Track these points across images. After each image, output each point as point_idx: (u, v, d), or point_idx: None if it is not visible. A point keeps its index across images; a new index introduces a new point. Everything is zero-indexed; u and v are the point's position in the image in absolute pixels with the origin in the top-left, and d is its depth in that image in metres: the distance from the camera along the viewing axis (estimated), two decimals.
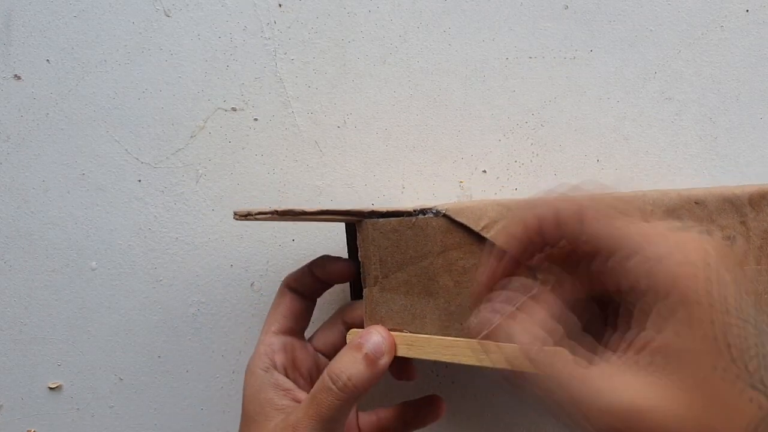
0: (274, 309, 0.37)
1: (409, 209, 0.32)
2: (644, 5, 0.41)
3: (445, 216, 0.31)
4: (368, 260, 0.33)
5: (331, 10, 0.43)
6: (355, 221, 0.33)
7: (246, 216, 0.32)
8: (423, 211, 0.32)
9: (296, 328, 0.37)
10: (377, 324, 0.33)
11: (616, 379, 0.22)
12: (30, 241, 0.44)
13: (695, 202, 0.30)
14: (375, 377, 0.32)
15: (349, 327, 0.36)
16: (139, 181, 0.43)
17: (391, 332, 0.32)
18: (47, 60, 0.44)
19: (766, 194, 0.30)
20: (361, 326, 0.34)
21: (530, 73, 0.42)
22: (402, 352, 0.32)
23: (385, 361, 0.32)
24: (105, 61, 0.43)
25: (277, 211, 0.31)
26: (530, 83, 0.42)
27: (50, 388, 0.44)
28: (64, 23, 0.44)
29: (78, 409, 0.44)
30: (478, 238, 0.31)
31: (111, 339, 0.44)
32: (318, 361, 0.38)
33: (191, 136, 0.43)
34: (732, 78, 0.41)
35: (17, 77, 0.44)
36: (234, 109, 0.43)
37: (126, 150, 0.43)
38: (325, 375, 0.32)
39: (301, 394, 0.35)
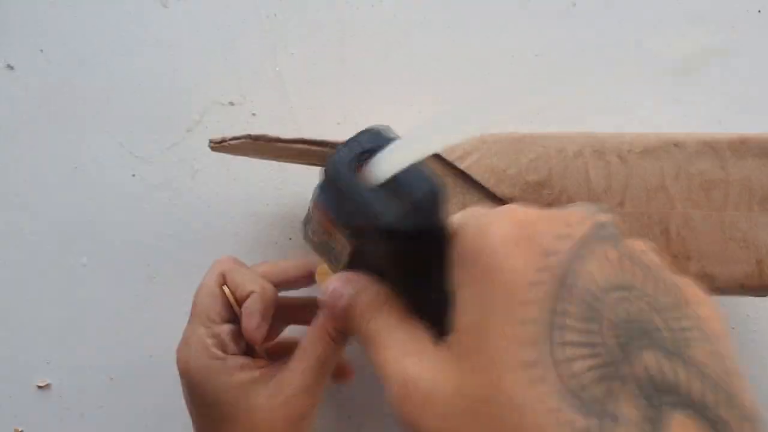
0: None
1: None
2: (653, 4, 0.41)
3: None
4: None
5: (333, 4, 0.42)
6: (330, 153, 0.33)
7: (221, 143, 0.32)
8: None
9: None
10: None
11: (411, 351, 0.21)
12: (20, 236, 0.43)
13: (674, 144, 0.30)
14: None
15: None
16: (133, 175, 0.42)
17: None
18: (41, 50, 0.43)
19: (746, 141, 0.30)
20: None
21: (536, 71, 0.41)
22: None
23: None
24: (100, 52, 0.43)
25: (250, 136, 0.31)
26: (536, 82, 0.41)
27: (39, 387, 0.43)
28: (59, 12, 0.43)
29: (67, 408, 0.43)
30: (452, 169, 0.31)
31: (102, 337, 0.43)
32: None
33: (187, 131, 0.42)
34: (742, 80, 0.40)
35: (10, 67, 0.43)
36: (231, 104, 0.42)
37: (120, 144, 0.42)
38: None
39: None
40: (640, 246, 0.19)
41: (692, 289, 0.19)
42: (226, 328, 0.33)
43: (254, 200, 0.42)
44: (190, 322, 0.34)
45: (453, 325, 0.19)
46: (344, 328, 0.25)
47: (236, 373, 0.32)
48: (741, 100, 0.40)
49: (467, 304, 0.19)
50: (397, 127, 0.41)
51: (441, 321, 0.20)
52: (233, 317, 0.34)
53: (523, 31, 0.41)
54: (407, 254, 0.21)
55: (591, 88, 0.42)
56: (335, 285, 0.24)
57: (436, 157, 0.31)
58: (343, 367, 0.38)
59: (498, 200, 0.30)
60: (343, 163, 0.21)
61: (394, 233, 0.20)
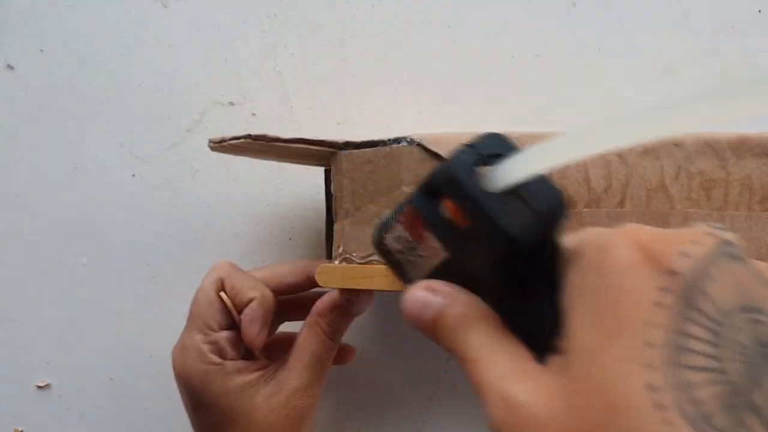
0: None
1: (383, 139, 0.31)
2: (654, 4, 0.40)
3: (419, 145, 0.31)
4: (341, 193, 0.32)
5: (333, 4, 0.42)
6: (329, 153, 0.33)
7: (221, 143, 0.32)
8: (397, 140, 0.31)
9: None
10: (345, 255, 0.32)
11: (516, 371, 0.19)
12: (20, 236, 0.43)
13: (674, 144, 0.30)
14: None
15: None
16: (133, 175, 0.42)
17: (361, 265, 0.32)
18: (41, 50, 0.43)
19: (746, 140, 0.30)
20: None
21: (536, 71, 0.41)
22: (364, 284, 0.31)
23: None
24: (100, 52, 0.42)
25: (250, 135, 0.31)
26: (536, 81, 0.41)
27: (38, 387, 0.43)
28: (59, 12, 0.43)
29: (67, 408, 0.43)
30: None
31: (102, 337, 0.43)
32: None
33: (187, 131, 0.42)
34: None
35: (10, 67, 0.43)
36: (231, 104, 0.42)
37: (120, 144, 0.42)
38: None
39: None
40: (765, 266, 0.18)
41: None
42: (224, 335, 0.33)
43: (254, 200, 0.42)
44: (187, 327, 0.34)
45: (564, 346, 0.19)
46: (431, 338, 0.23)
47: (234, 377, 0.32)
48: None
49: (583, 325, 0.18)
50: (396, 127, 0.41)
51: (540, 341, 0.19)
52: (231, 323, 0.34)
53: (523, 31, 0.41)
54: (514, 266, 0.20)
55: (591, 85, 0.42)
56: (420, 294, 0.22)
57: (436, 156, 0.31)
58: (344, 348, 0.38)
59: None
60: (463, 166, 0.20)
61: (509, 243, 0.19)
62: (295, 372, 0.32)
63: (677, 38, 0.40)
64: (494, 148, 0.20)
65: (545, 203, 0.20)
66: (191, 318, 0.34)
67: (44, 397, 0.43)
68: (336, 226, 0.33)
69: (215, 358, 0.33)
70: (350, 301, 0.33)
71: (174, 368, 0.34)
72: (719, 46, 0.40)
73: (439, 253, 0.22)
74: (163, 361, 0.42)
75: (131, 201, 0.42)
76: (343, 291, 0.33)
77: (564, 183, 0.30)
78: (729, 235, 0.18)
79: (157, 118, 0.42)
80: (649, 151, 0.30)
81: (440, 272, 0.22)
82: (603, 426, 0.16)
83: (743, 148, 0.30)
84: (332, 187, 0.33)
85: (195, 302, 0.34)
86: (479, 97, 0.41)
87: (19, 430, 0.43)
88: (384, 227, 0.24)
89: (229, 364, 0.33)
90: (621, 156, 0.30)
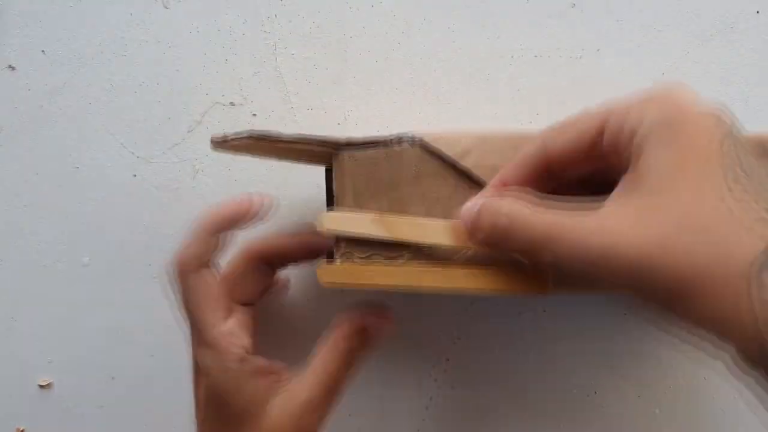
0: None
1: (385, 138, 0.32)
2: (653, 5, 0.41)
3: (421, 143, 0.31)
4: (342, 191, 0.32)
5: (334, 5, 0.42)
6: (331, 152, 0.33)
7: (222, 140, 0.32)
8: (399, 137, 0.31)
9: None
10: (346, 254, 0.32)
11: (601, 219, 0.23)
12: (21, 236, 0.43)
13: None
14: None
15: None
16: (134, 175, 0.43)
17: (361, 264, 0.32)
18: (42, 51, 0.43)
19: (746, 141, 0.30)
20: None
21: (536, 72, 0.41)
22: (365, 283, 0.32)
23: None
24: (101, 52, 0.43)
25: (252, 134, 0.32)
26: (536, 83, 0.41)
27: (40, 386, 0.43)
28: (60, 13, 0.43)
29: (68, 407, 0.43)
30: (452, 166, 0.31)
31: (103, 336, 0.43)
32: None
33: (188, 131, 0.42)
34: (741, 80, 0.40)
35: (11, 68, 0.43)
36: (232, 104, 0.42)
37: (121, 144, 0.43)
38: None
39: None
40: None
41: None
42: (231, 323, 0.34)
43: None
44: (194, 327, 0.34)
45: (636, 176, 0.23)
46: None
47: (251, 380, 0.32)
48: (740, 100, 0.40)
49: (657, 156, 0.23)
50: (396, 127, 0.42)
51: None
52: (232, 311, 0.34)
53: (523, 31, 0.41)
54: None
55: (590, 86, 0.42)
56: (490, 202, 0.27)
57: (436, 155, 0.31)
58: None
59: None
60: None
61: None
62: (305, 387, 0.33)
63: (676, 39, 0.40)
64: None
65: None
66: (195, 320, 0.34)
67: (46, 397, 0.43)
68: None
69: (234, 353, 0.33)
70: (372, 326, 0.34)
71: (201, 362, 0.34)
72: (718, 47, 0.40)
73: None
74: (164, 361, 0.43)
75: (132, 201, 0.42)
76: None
77: None
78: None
79: (158, 119, 0.42)
80: None
81: None
82: (676, 226, 0.21)
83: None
84: (333, 185, 0.33)
85: (193, 305, 0.34)
86: (479, 97, 0.41)
87: (21, 429, 0.43)
88: None
89: (249, 364, 0.33)
90: None
